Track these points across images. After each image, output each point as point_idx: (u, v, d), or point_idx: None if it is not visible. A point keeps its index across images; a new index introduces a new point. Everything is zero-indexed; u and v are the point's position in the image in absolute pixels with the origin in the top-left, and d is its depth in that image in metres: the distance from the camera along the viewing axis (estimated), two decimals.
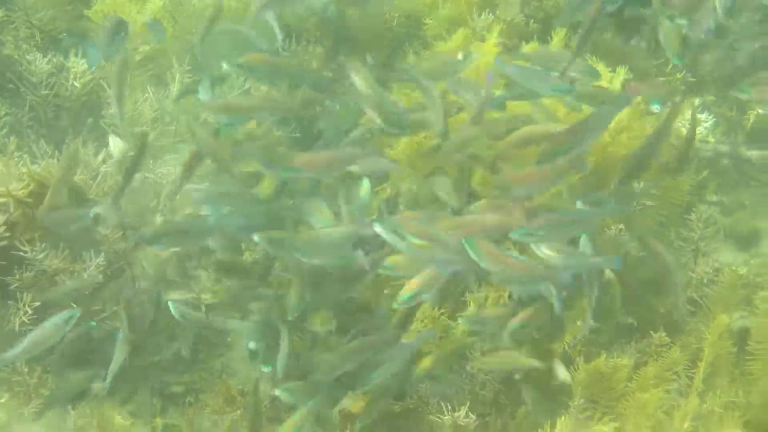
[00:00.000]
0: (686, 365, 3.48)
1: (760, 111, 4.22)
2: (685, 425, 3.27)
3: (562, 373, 3.41)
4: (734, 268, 4.03)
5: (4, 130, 4.31)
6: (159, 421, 3.69)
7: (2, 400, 3.72)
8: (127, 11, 4.46)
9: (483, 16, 4.09)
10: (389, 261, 3.14)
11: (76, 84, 4.45)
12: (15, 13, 4.72)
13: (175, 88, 4.29)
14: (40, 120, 4.49)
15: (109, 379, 3.33)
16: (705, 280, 3.92)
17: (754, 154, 4.17)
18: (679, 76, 4.18)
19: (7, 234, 3.65)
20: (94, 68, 3.76)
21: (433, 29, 4.24)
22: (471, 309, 3.47)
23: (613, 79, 3.74)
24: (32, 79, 4.48)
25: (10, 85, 4.54)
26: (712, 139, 4.30)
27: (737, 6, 3.93)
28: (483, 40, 3.76)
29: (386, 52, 4.20)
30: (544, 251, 3.05)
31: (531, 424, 3.37)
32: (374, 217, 3.26)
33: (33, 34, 4.73)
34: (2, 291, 3.73)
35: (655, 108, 3.69)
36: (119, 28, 3.44)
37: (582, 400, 3.36)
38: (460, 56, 3.42)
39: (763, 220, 4.51)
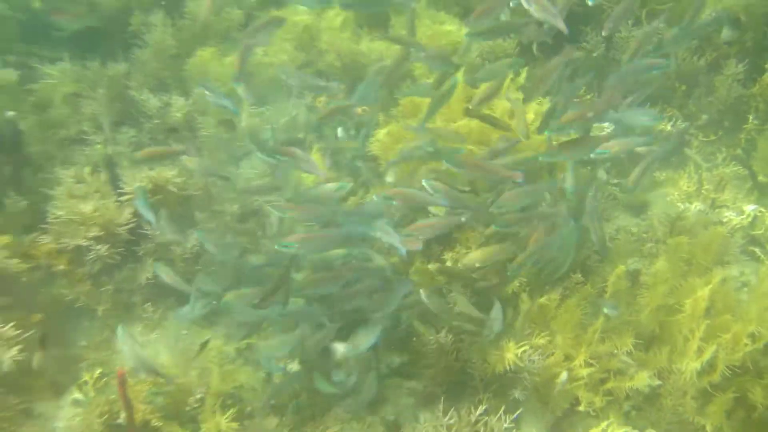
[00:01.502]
0: (595, 296, 3.84)
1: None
2: (596, 336, 3.72)
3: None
4: (628, 228, 4.41)
5: (131, 148, 4.85)
6: (243, 342, 4.10)
7: (138, 329, 4.17)
8: (212, 68, 5.04)
9: None
10: None
11: (177, 115, 5.01)
12: (135, 65, 5.29)
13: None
14: (156, 140, 4.96)
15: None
16: (608, 237, 4.23)
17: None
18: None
19: (135, 219, 4.22)
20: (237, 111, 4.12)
21: (419, 69, 4.69)
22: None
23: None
24: (147, 112, 5.06)
25: (134, 117, 5.07)
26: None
27: None
28: None
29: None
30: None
31: (493, 341, 3.63)
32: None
33: (147, 80, 5.25)
34: (133, 256, 4.27)
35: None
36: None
37: (526, 323, 3.75)
38: None
39: (648, 195, 4.79)
